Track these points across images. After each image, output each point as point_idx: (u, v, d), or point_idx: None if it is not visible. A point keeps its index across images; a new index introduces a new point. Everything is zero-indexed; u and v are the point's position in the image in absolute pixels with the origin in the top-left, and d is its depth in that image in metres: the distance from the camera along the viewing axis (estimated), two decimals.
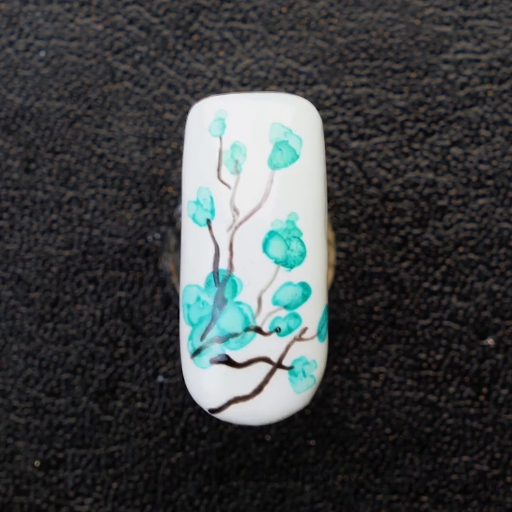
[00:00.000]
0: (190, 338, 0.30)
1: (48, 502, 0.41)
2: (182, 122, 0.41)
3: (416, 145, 0.41)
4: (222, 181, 0.30)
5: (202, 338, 0.30)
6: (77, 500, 0.41)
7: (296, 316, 0.30)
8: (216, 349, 0.30)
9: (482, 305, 0.41)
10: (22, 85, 0.41)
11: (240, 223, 0.30)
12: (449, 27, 0.41)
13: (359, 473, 0.41)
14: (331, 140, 0.41)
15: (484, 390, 0.41)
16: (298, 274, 0.30)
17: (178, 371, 0.41)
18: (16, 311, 0.41)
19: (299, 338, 0.30)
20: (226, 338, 0.30)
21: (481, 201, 0.41)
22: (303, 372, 0.30)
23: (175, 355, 0.41)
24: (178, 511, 0.41)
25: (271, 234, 0.29)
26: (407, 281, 0.41)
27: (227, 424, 0.41)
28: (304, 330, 0.30)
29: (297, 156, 0.30)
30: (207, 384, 0.30)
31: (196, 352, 0.30)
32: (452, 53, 0.41)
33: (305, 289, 0.30)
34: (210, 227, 0.30)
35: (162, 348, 0.41)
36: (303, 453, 0.41)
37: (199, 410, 0.41)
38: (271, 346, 0.30)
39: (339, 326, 0.41)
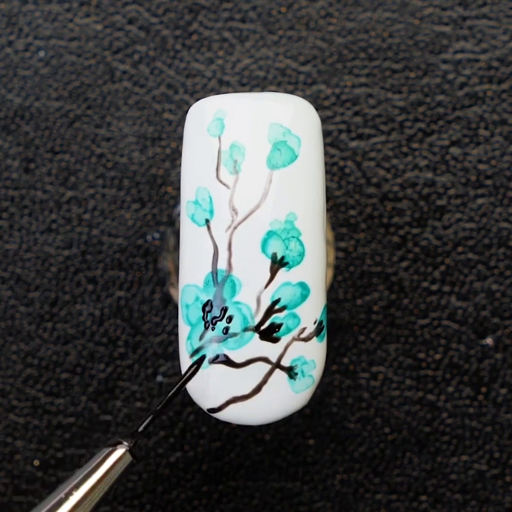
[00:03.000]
0: (189, 338, 0.30)
1: None
2: (182, 122, 0.41)
3: (415, 145, 0.41)
4: (221, 181, 0.30)
5: (201, 338, 0.30)
6: None
7: (295, 316, 0.30)
8: (214, 349, 0.30)
9: (481, 304, 0.41)
10: (21, 85, 0.41)
11: (239, 223, 0.30)
12: (448, 27, 0.41)
13: (358, 472, 0.41)
14: (330, 140, 0.41)
15: (483, 389, 0.41)
16: (297, 274, 0.30)
17: (177, 370, 0.41)
18: (15, 310, 0.41)
19: (297, 338, 0.30)
20: (225, 338, 0.30)
21: (480, 200, 0.41)
22: (302, 372, 0.30)
23: (174, 355, 0.41)
24: (177, 511, 0.41)
25: (270, 234, 0.29)
26: (406, 280, 0.41)
27: (226, 424, 0.41)
28: (303, 330, 0.30)
29: (296, 156, 0.30)
30: (206, 384, 0.30)
31: (195, 352, 0.30)
32: (451, 53, 0.41)
33: (304, 289, 0.30)
34: (209, 227, 0.30)
35: (161, 347, 0.41)
36: (302, 453, 0.41)
37: (198, 410, 0.41)
38: (270, 346, 0.30)
39: (338, 325, 0.41)
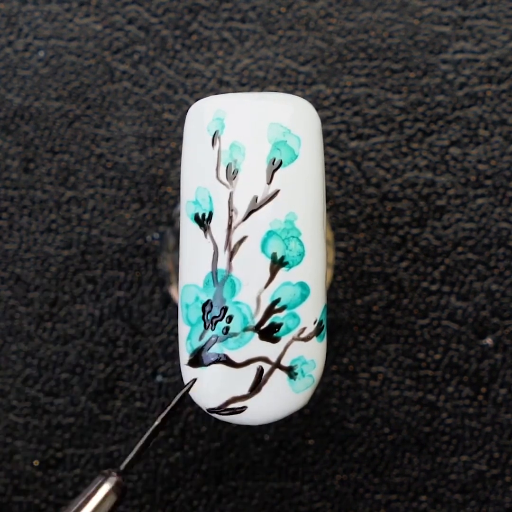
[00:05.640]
0: (189, 338, 0.30)
1: (47, 501, 0.41)
2: (181, 122, 0.41)
3: (415, 145, 0.41)
4: (220, 181, 0.30)
5: (200, 338, 0.30)
6: None
7: (295, 316, 0.30)
8: (214, 349, 0.30)
9: (481, 304, 0.41)
10: (21, 85, 0.41)
11: (239, 223, 0.30)
12: (448, 27, 0.41)
13: (358, 472, 0.41)
14: (330, 140, 0.41)
15: (483, 389, 0.41)
16: (296, 274, 0.30)
17: (177, 370, 0.41)
18: (15, 310, 0.41)
19: (297, 338, 0.30)
20: (225, 337, 0.30)
21: (480, 200, 0.41)
22: (302, 371, 0.30)
23: (174, 355, 0.41)
24: (177, 511, 0.41)
25: (270, 234, 0.29)
26: (406, 280, 0.41)
27: (225, 424, 0.41)
28: (303, 330, 0.30)
29: (296, 156, 0.30)
30: (206, 384, 0.30)
31: (195, 352, 0.30)
32: (451, 53, 0.41)
33: (304, 289, 0.30)
34: (208, 227, 0.30)
35: (161, 347, 0.41)
36: (301, 453, 0.41)
37: (198, 410, 0.41)
38: (270, 346, 0.30)
39: (338, 325, 0.41)
